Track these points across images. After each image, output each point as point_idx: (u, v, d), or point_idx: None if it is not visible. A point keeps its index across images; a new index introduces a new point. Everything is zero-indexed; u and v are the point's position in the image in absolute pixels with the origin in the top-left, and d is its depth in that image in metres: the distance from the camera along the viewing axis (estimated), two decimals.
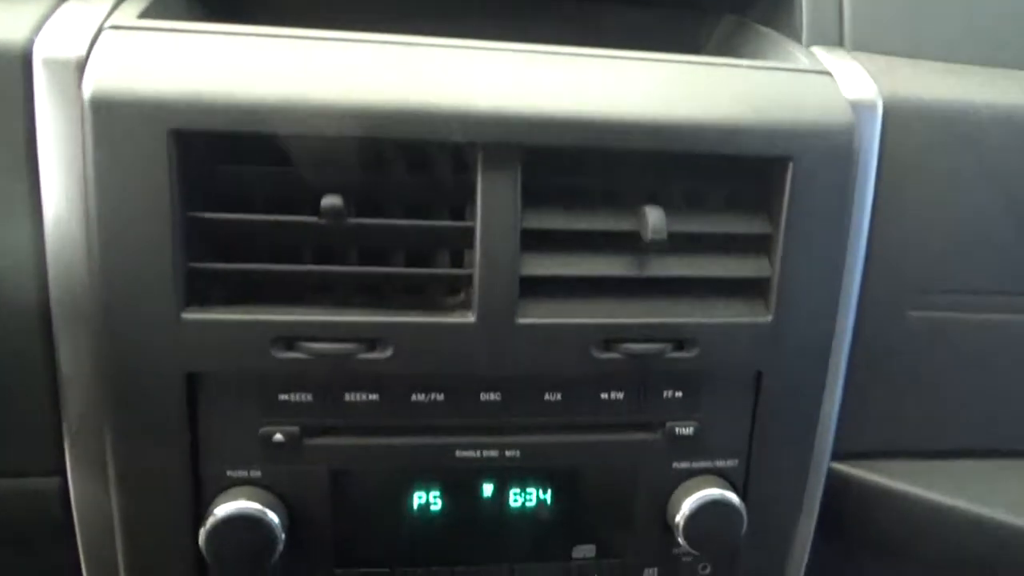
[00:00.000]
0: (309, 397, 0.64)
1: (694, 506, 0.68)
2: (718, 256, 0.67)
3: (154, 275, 0.58)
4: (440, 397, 0.65)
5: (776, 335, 0.67)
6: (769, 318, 0.66)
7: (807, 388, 0.70)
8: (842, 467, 0.79)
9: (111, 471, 0.63)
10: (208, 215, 0.59)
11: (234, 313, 0.60)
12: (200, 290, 0.61)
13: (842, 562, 0.87)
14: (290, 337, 0.61)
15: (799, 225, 0.65)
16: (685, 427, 0.69)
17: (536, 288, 0.63)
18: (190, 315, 0.60)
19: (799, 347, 0.68)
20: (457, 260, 0.65)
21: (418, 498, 0.68)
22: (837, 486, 0.78)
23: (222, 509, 0.62)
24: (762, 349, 0.67)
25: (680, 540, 0.69)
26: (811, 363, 0.69)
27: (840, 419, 0.75)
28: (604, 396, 0.67)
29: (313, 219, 0.60)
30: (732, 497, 0.68)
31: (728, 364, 0.67)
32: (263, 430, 0.64)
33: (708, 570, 0.75)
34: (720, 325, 0.66)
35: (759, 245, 0.67)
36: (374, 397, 0.64)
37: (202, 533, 0.62)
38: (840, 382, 0.73)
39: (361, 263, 0.63)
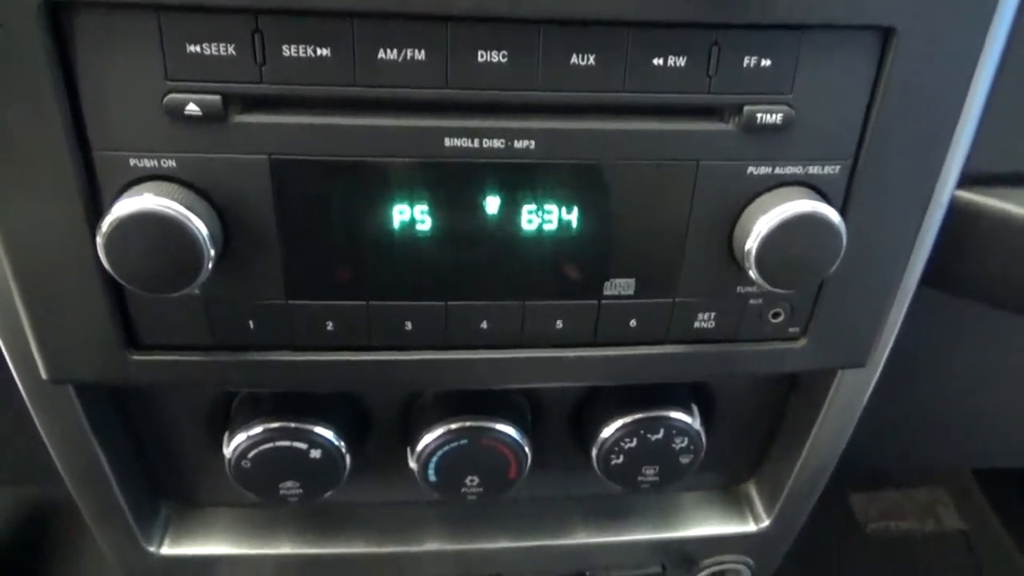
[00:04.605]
0: (231, 49, 0.44)
1: (775, 223, 0.49)
2: None
3: None
4: (419, 55, 0.45)
5: None
6: None
7: (957, 58, 0.48)
8: (969, 195, 0.59)
9: None
10: None
11: None
12: None
13: (947, 317, 0.70)
14: None
15: None
16: (770, 113, 0.48)
17: None
18: None
19: None
20: None
21: (399, 212, 0.50)
22: (960, 218, 0.59)
23: (123, 206, 0.45)
24: None
25: (751, 272, 0.51)
26: (968, 16, 0.47)
27: (983, 121, 0.54)
28: (656, 62, 0.46)
29: None
30: (829, 213, 0.49)
31: (844, 12, 0.45)
32: (170, 97, 0.45)
33: (781, 317, 0.57)
34: None
35: None
36: (324, 52, 0.45)
37: (99, 238, 0.46)
38: (996, 55, 0.51)
39: None
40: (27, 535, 1.29)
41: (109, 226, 0.45)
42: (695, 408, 0.69)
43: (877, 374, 0.66)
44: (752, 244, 0.50)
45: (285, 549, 0.76)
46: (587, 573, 0.61)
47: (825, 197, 0.51)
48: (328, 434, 0.64)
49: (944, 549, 1.49)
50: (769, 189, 0.51)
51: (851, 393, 0.67)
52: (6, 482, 1.10)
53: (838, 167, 0.51)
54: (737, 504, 0.81)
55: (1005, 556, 1.43)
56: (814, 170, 0.51)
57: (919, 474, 1.55)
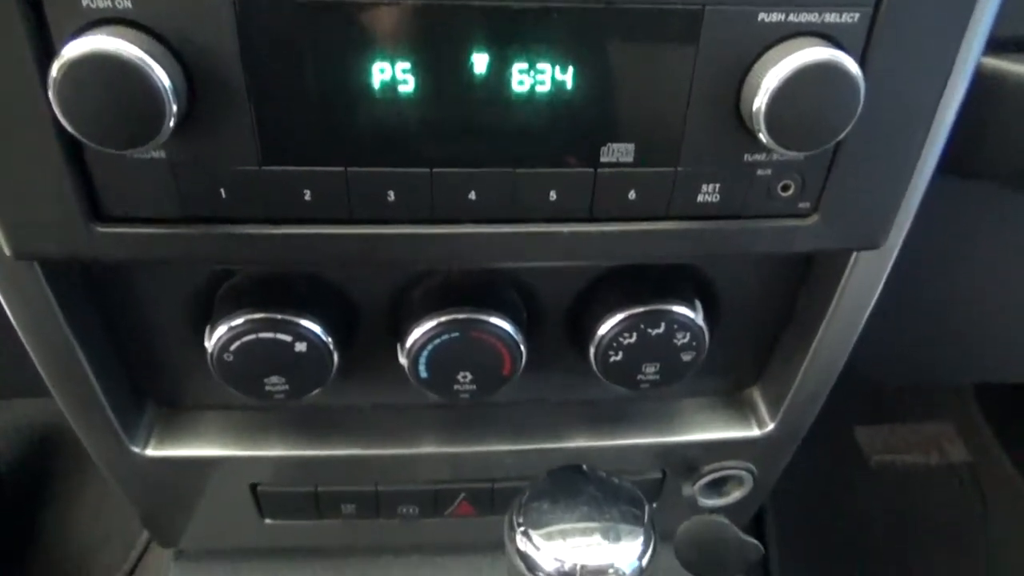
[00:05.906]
0: None
1: (788, 73, 0.45)
2: None
3: None
4: None
5: None
6: None
7: None
8: (996, 62, 0.55)
9: None
10: None
11: None
12: None
13: (963, 202, 0.66)
14: None
15: None
16: None
17: None
18: None
19: None
20: None
21: (378, 68, 0.46)
22: (985, 86, 0.54)
23: (74, 47, 0.41)
24: None
25: (760, 135, 0.47)
26: None
27: None
28: None
29: None
30: (847, 62, 0.45)
31: None
32: None
33: (791, 190, 0.54)
34: None
35: None
36: None
37: (51, 86, 0.42)
38: None
39: None
40: (32, 454, 1.29)
41: (59, 70, 0.41)
42: (698, 303, 0.66)
43: (891, 261, 0.62)
44: (762, 101, 0.46)
45: (276, 451, 0.74)
46: (583, 466, 0.58)
47: (842, 50, 0.47)
48: (314, 327, 0.61)
49: (949, 482, 1.48)
50: (781, 40, 0.47)
51: (864, 282, 0.63)
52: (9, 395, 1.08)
53: (857, 15, 0.46)
54: (741, 409, 0.79)
55: (1010, 488, 1.42)
56: (831, 18, 0.46)
57: (926, 389, 1.53)
